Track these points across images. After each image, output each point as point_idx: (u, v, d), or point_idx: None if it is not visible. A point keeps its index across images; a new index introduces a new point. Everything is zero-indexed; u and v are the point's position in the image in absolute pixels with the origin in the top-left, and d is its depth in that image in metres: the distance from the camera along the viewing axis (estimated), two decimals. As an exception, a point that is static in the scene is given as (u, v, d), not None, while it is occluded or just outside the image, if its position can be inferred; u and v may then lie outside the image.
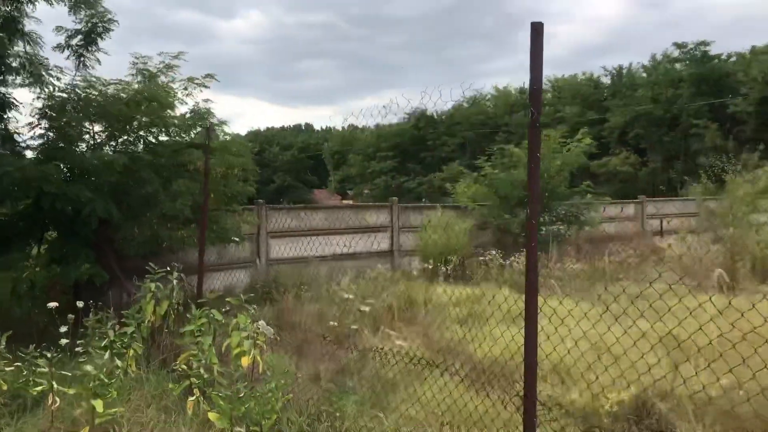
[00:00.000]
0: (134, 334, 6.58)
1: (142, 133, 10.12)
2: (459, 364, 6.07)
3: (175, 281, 7.21)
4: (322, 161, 73.92)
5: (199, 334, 6.05)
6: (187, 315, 6.66)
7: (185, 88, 10.36)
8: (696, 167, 49.05)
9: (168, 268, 7.12)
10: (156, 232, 9.17)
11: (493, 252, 12.22)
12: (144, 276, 7.16)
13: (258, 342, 5.54)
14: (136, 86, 9.82)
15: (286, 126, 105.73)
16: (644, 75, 54.76)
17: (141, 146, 10.09)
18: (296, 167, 76.45)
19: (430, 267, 12.14)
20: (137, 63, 10.18)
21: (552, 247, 13.20)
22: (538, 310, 3.75)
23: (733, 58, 48.14)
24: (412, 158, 60.59)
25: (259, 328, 5.55)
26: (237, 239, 10.50)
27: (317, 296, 10.14)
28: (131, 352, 6.41)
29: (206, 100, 10.63)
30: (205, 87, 10.53)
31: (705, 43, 49.02)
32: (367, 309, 8.41)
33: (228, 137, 10.74)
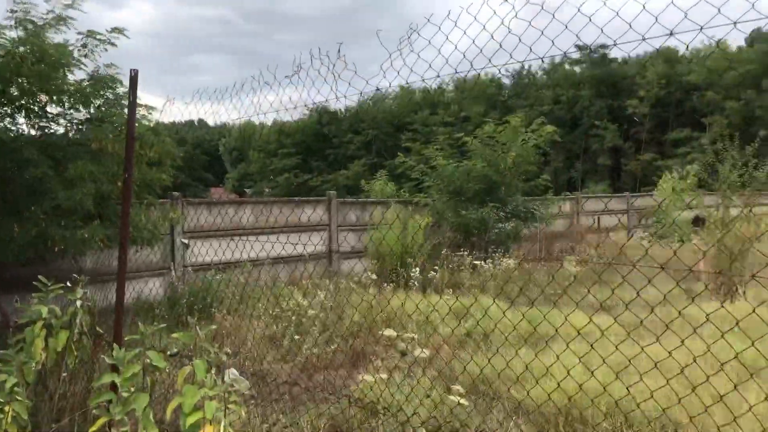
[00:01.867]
0: (16, 387, 4.24)
1: (24, 101, 7.57)
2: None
3: (78, 301, 4.89)
4: (218, 158, 70.09)
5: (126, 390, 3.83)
6: (100, 354, 4.43)
7: (84, 46, 7.89)
8: (596, 167, 50.63)
9: (68, 282, 4.82)
10: (44, 231, 6.67)
11: (464, 253, 10.57)
12: (29, 292, 4.81)
13: (230, 403, 3.46)
14: (15, 36, 7.28)
15: (176, 121, 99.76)
16: (544, 77, 55.77)
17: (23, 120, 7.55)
18: (190, 164, 71.82)
19: (384, 271, 10.28)
20: (16, 12, 7.57)
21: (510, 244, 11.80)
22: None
23: (632, 61, 49.75)
24: (315, 155, 58.41)
25: (231, 384, 3.48)
26: (153, 239, 8.10)
27: (258, 312, 7.99)
28: (9, 415, 4.09)
29: (109, 65, 8.18)
30: (112, 45, 8.09)
31: (604, 46, 50.33)
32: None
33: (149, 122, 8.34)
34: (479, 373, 5.27)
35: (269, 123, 57.18)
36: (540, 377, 4.70)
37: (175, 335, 3.93)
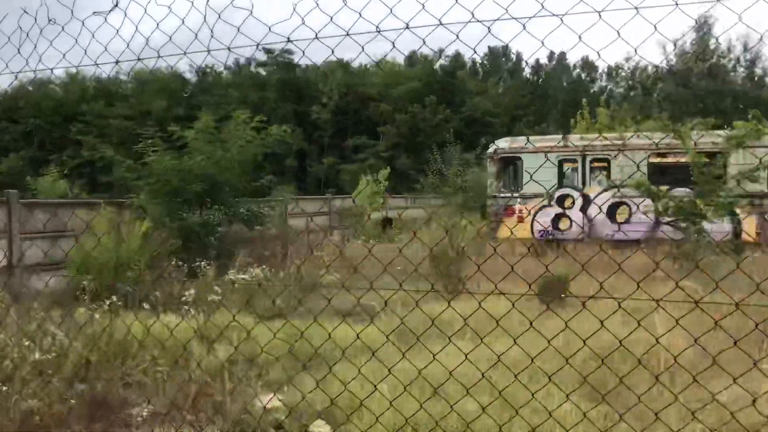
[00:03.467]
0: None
1: None
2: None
3: None
4: None
5: None
6: None
7: None
8: (284, 168, 51.76)
9: None
10: None
11: (202, 263, 9.26)
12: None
13: None
14: None
15: None
16: (230, 76, 55.14)
17: None
18: None
19: (96, 287, 8.44)
20: None
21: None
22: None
23: (318, 69, 52.01)
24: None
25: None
26: None
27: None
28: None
29: None
30: None
31: (290, 52, 51.73)
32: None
33: None
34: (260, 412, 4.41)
35: None
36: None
37: None
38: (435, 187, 22.99)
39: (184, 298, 7.81)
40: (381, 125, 48.30)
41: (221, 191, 11.52)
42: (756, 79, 39.61)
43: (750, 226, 14.21)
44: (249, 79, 51.99)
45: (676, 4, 2.25)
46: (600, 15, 2.31)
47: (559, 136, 16.79)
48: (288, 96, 50.20)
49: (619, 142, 15.11)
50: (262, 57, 52.81)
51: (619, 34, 2.35)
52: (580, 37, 2.38)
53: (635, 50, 2.47)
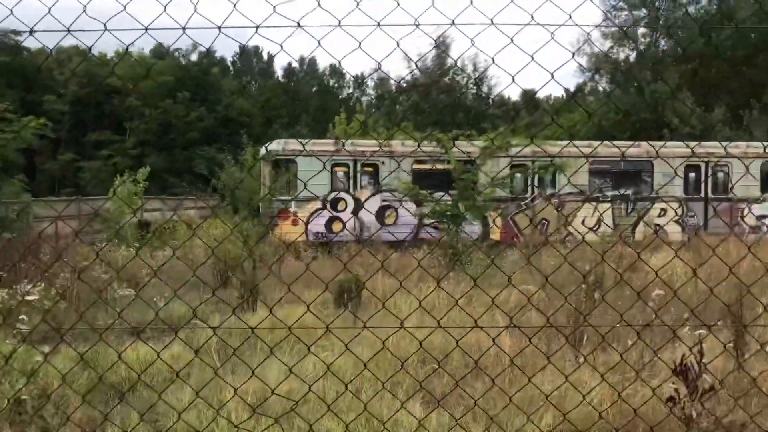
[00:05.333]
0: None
1: None
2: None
3: None
4: None
5: None
6: None
7: None
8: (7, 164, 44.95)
9: None
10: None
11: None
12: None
13: None
14: None
15: None
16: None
17: None
18: None
19: None
20: None
21: None
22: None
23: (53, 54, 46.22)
24: None
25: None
26: None
27: None
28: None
29: None
30: None
31: (16, 32, 45.21)
32: None
33: None
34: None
35: None
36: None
37: None
38: (201, 189, 21.99)
39: None
40: (128, 120, 44.78)
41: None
42: (483, 96, 45.03)
43: (496, 227, 16.11)
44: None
45: (417, 25, 2.45)
46: (340, 25, 2.40)
47: (332, 140, 17.22)
48: (15, 83, 43.84)
49: (387, 148, 16.01)
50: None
51: (360, 45, 2.47)
52: (319, 42, 2.48)
53: (379, 64, 2.67)
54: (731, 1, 29.00)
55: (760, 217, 16.98)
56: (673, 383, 3.73)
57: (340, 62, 2.53)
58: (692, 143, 17.50)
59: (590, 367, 4.68)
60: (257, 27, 2.52)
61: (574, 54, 2.68)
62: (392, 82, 52.58)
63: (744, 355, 4.98)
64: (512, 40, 2.46)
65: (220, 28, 2.54)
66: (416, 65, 41.76)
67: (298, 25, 2.44)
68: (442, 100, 40.84)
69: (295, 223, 15.67)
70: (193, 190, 23.96)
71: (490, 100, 45.56)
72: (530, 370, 4.63)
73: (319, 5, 2.42)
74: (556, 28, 2.50)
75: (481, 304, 7.04)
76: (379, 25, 2.48)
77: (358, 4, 2.45)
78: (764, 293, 6.62)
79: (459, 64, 43.15)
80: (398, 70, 46.24)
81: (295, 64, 65.05)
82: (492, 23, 2.42)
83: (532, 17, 2.40)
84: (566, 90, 45.45)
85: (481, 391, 4.47)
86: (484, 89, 44.87)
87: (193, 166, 22.45)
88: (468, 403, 4.32)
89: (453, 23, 2.47)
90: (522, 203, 16.83)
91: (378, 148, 16.05)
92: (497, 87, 45.84)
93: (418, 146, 15.16)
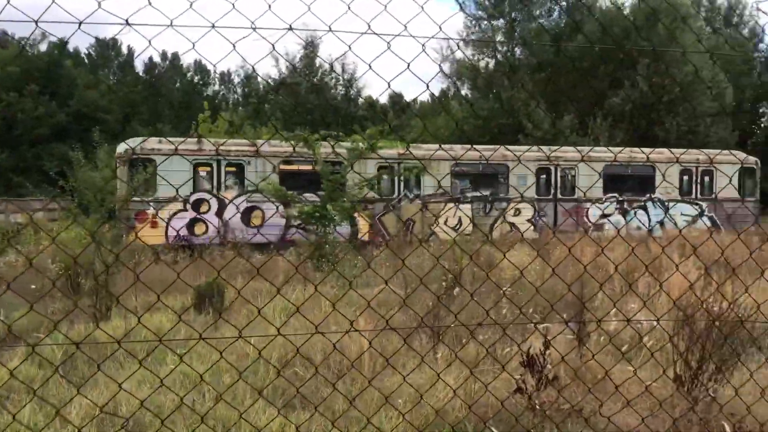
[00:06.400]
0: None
1: None
2: None
3: None
4: None
5: None
6: None
7: None
8: None
9: None
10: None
11: None
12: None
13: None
14: None
15: None
16: None
17: None
18: None
19: None
20: None
21: None
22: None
23: None
24: None
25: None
26: None
27: None
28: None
29: None
30: None
31: None
32: None
33: None
34: None
35: None
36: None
37: None
38: (50, 189, 20.30)
39: None
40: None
41: None
42: (352, 97, 45.34)
43: (365, 227, 16.29)
44: None
45: (290, 27, 2.51)
46: (214, 27, 2.39)
47: (194, 139, 16.55)
48: None
49: (253, 148, 15.65)
50: None
51: (234, 46, 2.46)
52: (193, 45, 2.42)
53: (252, 67, 2.69)
54: (577, 16, 31.32)
55: (602, 216, 18.51)
56: (521, 375, 3.93)
57: (215, 65, 2.43)
58: (544, 147, 18.77)
59: (448, 363, 4.83)
60: (126, 21, 2.33)
61: (440, 65, 2.73)
62: (260, 80, 51.74)
63: (586, 345, 5.37)
64: (389, 46, 2.49)
65: (80, 23, 2.32)
66: (295, 67, 41.32)
67: (171, 24, 2.31)
68: (311, 101, 40.70)
69: (154, 225, 14.90)
70: (40, 190, 22.12)
71: (359, 102, 46.10)
72: (391, 370, 4.68)
73: (191, 7, 2.34)
74: (426, 40, 2.56)
75: (345, 304, 7.06)
76: (254, 29, 2.41)
77: (233, 5, 2.37)
78: (604, 287, 7.17)
79: (328, 65, 43.22)
80: (266, 68, 45.58)
81: (157, 59, 62.07)
82: (370, 29, 2.43)
83: (405, 27, 2.45)
84: (432, 95, 47.05)
85: (346, 392, 4.47)
86: (353, 91, 45.25)
87: (42, 165, 20.67)
88: (341, 407, 4.30)
89: (330, 29, 2.47)
90: (389, 204, 17.16)
91: (244, 148, 15.66)
92: (366, 89, 46.51)
93: (295, 148, 14.95)
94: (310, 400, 4.06)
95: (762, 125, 38.87)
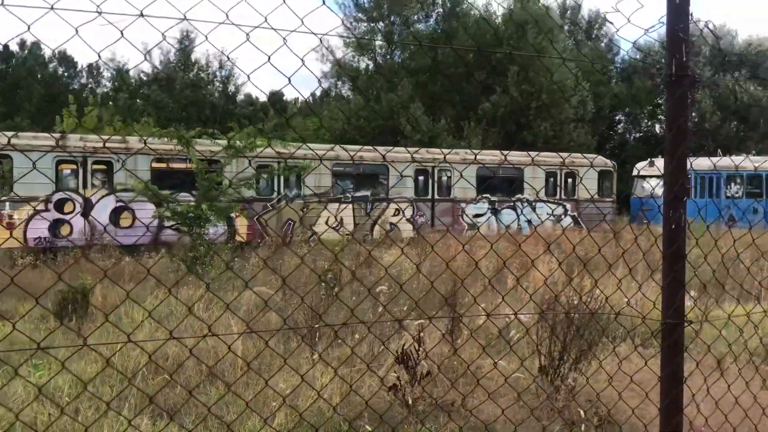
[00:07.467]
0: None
1: None
2: None
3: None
4: None
5: None
6: None
7: None
8: None
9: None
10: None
11: None
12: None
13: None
14: None
15: None
16: None
17: None
18: None
19: None
20: None
21: None
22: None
23: None
24: None
25: None
26: None
27: None
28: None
29: None
30: None
31: None
32: None
33: None
34: None
35: None
36: None
37: None
38: None
39: None
40: None
41: None
42: (230, 94, 44.17)
43: (242, 227, 15.93)
44: None
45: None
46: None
47: (56, 135, 15.40)
48: None
49: (122, 145, 14.84)
50: None
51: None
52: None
53: (129, 63, 2.58)
54: (453, 23, 32.44)
55: (475, 216, 19.33)
56: (395, 372, 4.01)
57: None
58: (422, 149, 19.29)
59: (324, 364, 4.84)
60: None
61: (302, 59, 2.68)
62: (131, 72, 49.11)
63: (458, 340, 5.58)
64: (248, 38, 2.39)
65: None
66: (156, 54, 39.51)
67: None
68: (186, 96, 39.23)
69: (9, 227, 13.72)
70: None
71: (237, 99, 45.02)
72: (267, 372, 4.64)
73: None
74: (287, 34, 2.45)
75: (221, 307, 6.89)
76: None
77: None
78: (474, 284, 7.48)
79: (203, 60, 41.84)
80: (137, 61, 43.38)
81: (15, 48, 57.18)
82: (228, 19, 2.33)
83: (266, 18, 2.35)
84: (308, 97, 46.88)
85: (216, 398, 4.35)
86: (231, 88, 44.11)
87: None
88: (202, 412, 4.17)
89: (185, 18, 2.29)
90: (268, 204, 16.89)
91: (113, 145, 14.79)
92: (245, 87, 45.45)
93: (176, 145, 14.29)
94: (166, 409, 3.92)
95: (618, 131, 42.30)
